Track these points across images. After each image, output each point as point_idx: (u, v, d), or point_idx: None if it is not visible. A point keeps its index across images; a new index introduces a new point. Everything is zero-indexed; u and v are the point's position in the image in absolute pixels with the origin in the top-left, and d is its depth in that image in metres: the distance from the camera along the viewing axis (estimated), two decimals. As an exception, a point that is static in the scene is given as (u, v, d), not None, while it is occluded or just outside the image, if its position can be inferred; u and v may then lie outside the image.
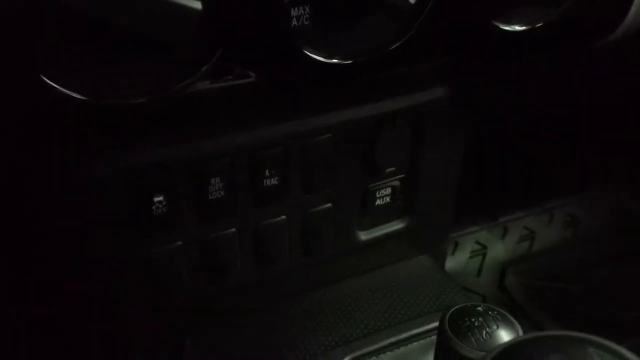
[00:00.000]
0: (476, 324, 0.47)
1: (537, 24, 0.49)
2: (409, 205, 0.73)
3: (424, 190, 0.73)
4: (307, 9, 0.42)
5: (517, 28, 0.49)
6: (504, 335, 0.47)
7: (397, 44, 0.45)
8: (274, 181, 0.60)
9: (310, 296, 0.70)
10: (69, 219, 0.55)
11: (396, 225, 0.74)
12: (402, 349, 0.63)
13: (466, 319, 0.47)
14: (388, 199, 0.71)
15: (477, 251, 1.29)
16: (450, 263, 1.27)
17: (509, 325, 0.48)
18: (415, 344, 0.63)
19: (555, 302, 1.19)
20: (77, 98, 0.40)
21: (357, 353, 0.62)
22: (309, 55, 0.41)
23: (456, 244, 1.30)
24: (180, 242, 0.59)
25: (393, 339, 0.63)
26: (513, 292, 1.24)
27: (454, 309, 0.49)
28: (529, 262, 1.29)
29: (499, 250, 1.30)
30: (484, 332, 0.46)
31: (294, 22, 0.42)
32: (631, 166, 1.38)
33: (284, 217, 0.64)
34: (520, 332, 0.48)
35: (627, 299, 1.17)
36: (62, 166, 0.51)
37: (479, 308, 0.49)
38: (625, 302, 1.17)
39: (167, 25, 0.36)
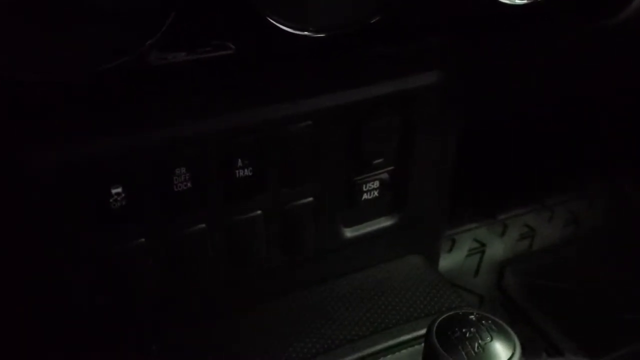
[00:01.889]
0: (467, 334, 0.41)
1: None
2: (398, 200, 0.68)
3: (415, 184, 0.68)
4: (276, -27, 0.37)
5: (518, 2, 0.43)
6: (499, 349, 0.41)
7: (377, 18, 0.39)
8: (247, 172, 0.55)
9: (291, 299, 0.65)
10: (17, 214, 0.50)
11: (385, 222, 0.69)
12: (389, 356, 0.58)
13: (456, 329, 0.42)
14: (376, 193, 0.66)
15: (475, 249, 1.25)
16: (447, 261, 1.23)
17: (504, 336, 0.42)
18: (403, 351, 0.58)
19: (555, 303, 1.15)
20: (8, 74, 0.34)
21: (339, 363, 0.57)
22: (275, 25, 0.36)
23: (453, 242, 1.27)
24: (142, 239, 0.54)
25: (379, 347, 0.59)
26: (511, 292, 1.21)
27: (442, 317, 0.44)
28: (529, 261, 1.25)
29: (497, 248, 1.27)
30: (476, 344, 0.41)
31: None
32: (633, 161, 1.35)
33: (259, 212, 0.58)
34: (518, 345, 0.42)
35: (629, 299, 1.14)
36: (5, 156, 0.45)
37: (472, 316, 0.43)
38: (627, 303, 1.13)
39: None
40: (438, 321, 0.43)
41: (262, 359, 0.58)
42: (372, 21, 0.39)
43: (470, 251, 1.25)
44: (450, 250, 1.26)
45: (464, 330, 0.42)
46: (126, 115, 0.49)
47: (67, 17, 0.34)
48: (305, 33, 0.38)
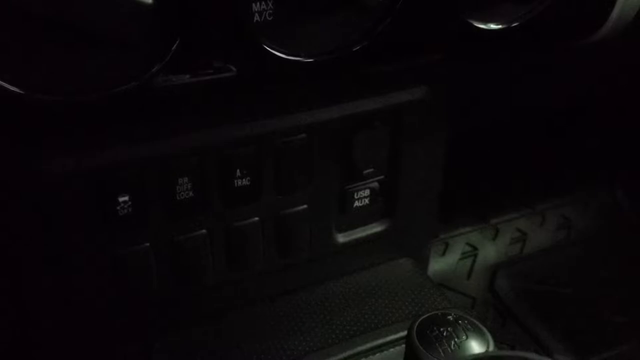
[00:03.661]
0: (445, 333, 0.45)
1: (514, 23, 0.47)
2: (388, 207, 0.72)
3: (405, 192, 0.71)
4: (270, 4, 0.41)
5: (493, 27, 0.47)
6: (474, 346, 0.45)
7: (363, 44, 0.43)
8: (245, 182, 0.58)
9: (284, 300, 0.68)
10: (32, 218, 0.53)
11: (376, 228, 0.72)
12: (376, 355, 0.61)
13: (435, 328, 0.46)
14: (367, 200, 0.69)
15: (467, 253, 1.27)
16: (440, 265, 1.25)
17: (479, 335, 0.46)
18: (389, 351, 0.61)
19: (547, 306, 1.17)
20: (27, 95, 0.38)
21: (328, 360, 0.60)
22: (270, 52, 0.39)
23: (446, 245, 1.28)
24: (147, 244, 0.58)
25: (364, 347, 0.61)
26: (503, 295, 1.22)
27: (423, 317, 0.47)
28: (521, 265, 1.27)
29: (490, 252, 1.28)
30: (452, 342, 0.44)
31: (257, 18, 0.41)
32: (625, 167, 1.35)
33: (256, 219, 0.62)
34: (492, 344, 0.46)
35: (620, 302, 1.16)
36: (18, 164, 0.49)
37: (449, 317, 0.47)
38: (618, 306, 1.15)
39: (117, 20, 0.35)
40: (419, 321, 0.47)
41: (256, 356, 0.61)
42: (355, 49, 0.43)
43: (463, 255, 1.27)
44: (443, 253, 1.28)
45: (441, 329, 0.45)
46: (133, 129, 0.52)
47: (80, 44, 0.38)
48: (297, 58, 0.42)
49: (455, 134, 1.12)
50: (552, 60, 0.88)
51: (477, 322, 0.47)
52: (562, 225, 1.34)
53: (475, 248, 1.28)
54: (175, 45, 0.39)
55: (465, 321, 0.47)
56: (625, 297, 1.17)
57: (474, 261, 1.27)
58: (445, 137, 0.72)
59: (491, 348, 0.45)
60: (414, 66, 0.57)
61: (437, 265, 1.26)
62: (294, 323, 0.66)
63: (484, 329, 0.47)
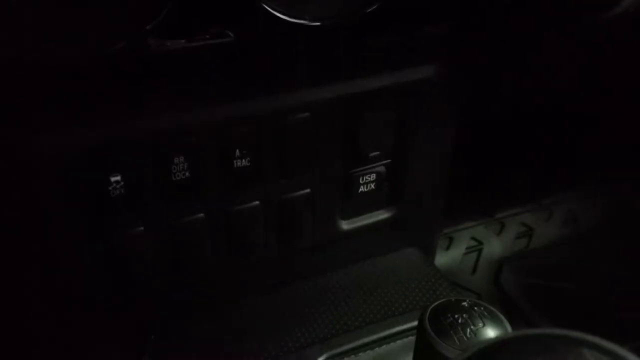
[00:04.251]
0: (460, 320, 0.42)
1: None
2: (395, 193, 0.69)
3: (412, 177, 0.68)
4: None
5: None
6: (491, 334, 0.42)
7: (372, 7, 0.39)
8: (245, 162, 0.55)
9: (287, 289, 0.65)
10: (20, 200, 0.50)
11: (381, 215, 0.69)
12: (383, 347, 0.58)
13: (449, 315, 0.42)
14: (372, 185, 0.66)
15: (472, 247, 1.25)
16: (445, 259, 1.24)
17: (496, 322, 0.43)
18: (397, 342, 0.58)
19: (552, 301, 1.16)
20: (19, 57, 0.35)
21: (334, 351, 0.58)
22: (272, 13, 0.36)
23: (451, 240, 1.28)
24: (141, 227, 0.54)
25: (373, 337, 0.59)
26: (508, 290, 1.21)
27: (436, 303, 0.44)
28: (526, 260, 1.25)
29: (495, 246, 1.27)
30: (468, 330, 0.41)
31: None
32: (633, 162, 1.35)
33: (257, 202, 0.59)
34: (509, 331, 0.43)
35: (627, 299, 1.14)
36: (11, 143, 0.46)
37: (464, 303, 0.44)
38: (625, 303, 1.13)
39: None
40: (431, 308, 0.44)
41: (260, 346, 0.58)
42: (368, 10, 0.40)
43: (468, 249, 1.25)
44: (448, 248, 1.27)
45: (456, 316, 0.42)
46: (124, 104, 0.49)
47: (70, 3, 0.35)
48: (302, 21, 0.39)
49: (461, 126, 1.10)
50: (562, 48, 0.85)
51: (493, 309, 0.44)
52: (568, 220, 1.32)
53: (480, 242, 1.27)
54: (168, 6, 0.36)
55: (482, 307, 0.43)
56: (630, 293, 1.14)
57: (479, 256, 1.26)
58: (457, 122, 0.69)
59: (510, 336, 0.42)
60: (427, 40, 0.54)
61: (442, 259, 1.24)
62: (298, 313, 0.63)
63: (501, 316, 0.44)
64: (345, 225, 0.67)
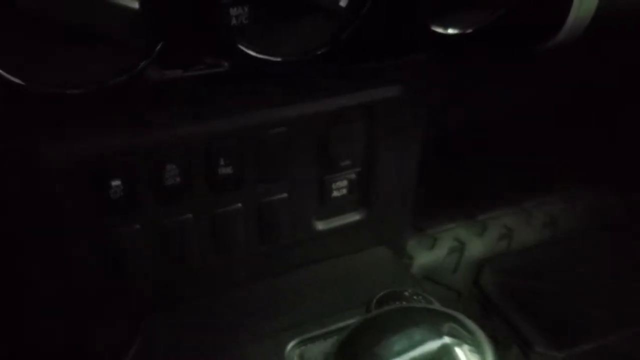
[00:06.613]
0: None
1: (470, 29, 0.52)
2: (366, 197, 0.76)
3: (381, 183, 0.75)
4: (246, 9, 0.46)
5: (451, 32, 0.52)
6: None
7: (326, 48, 0.48)
8: (228, 170, 0.63)
9: (267, 283, 0.73)
10: (32, 202, 0.59)
11: (354, 217, 0.76)
12: (335, 337, 0.64)
13: (391, 302, 0.50)
14: (345, 190, 0.73)
15: (455, 248, 1.31)
16: (428, 258, 1.28)
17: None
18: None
19: (529, 301, 1.20)
20: (17, 84, 0.43)
21: (305, 336, 0.65)
22: (243, 51, 0.45)
23: (434, 240, 1.31)
24: (138, 226, 0.63)
25: (340, 324, 0.66)
26: (487, 289, 1.24)
27: (382, 293, 0.52)
28: (506, 260, 1.30)
29: (476, 247, 1.32)
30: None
31: (234, 21, 0.46)
32: (611, 165, 1.37)
33: (239, 205, 0.67)
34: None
35: (603, 297, 1.19)
36: (17, 152, 0.54)
37: (406, 293, 0.52)
38: (601, 301, 1.18)
39: (105, 22, 0.40)
40: (378, 296, 0.52)
41: (238, 332, 0.66)
42: (319, 52, 0.48)
43: (450, 249, 1.30)
44: (431, 248, 1.31)
45: (397, 303, 0.50)
46: (125, 120, 0.57)
47: (76, 42, 0.43)
48: (265, 57, 0.47)
49: (445, 131, 1.16)
50: (536, 61, 0.92)
51: (431, 298, 0.52)
52: (547, 223, 1.37)
53: (462, 243, 1.31)
54: (160, 45, 0.44)
55: (420, 296, 0.51)
56: (606, 292, 1.20)
57: (460, 256, 1.30)
58: (420, 134, 0.77)
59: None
60: (386, 67, 0.62)
61: (425, 259, 1.29)
62: (276, 303, 0.70)
63: (437, 303, 0.52)
64: (320, 225, 0.75)
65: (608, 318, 1.15)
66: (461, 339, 0.33)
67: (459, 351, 0.33)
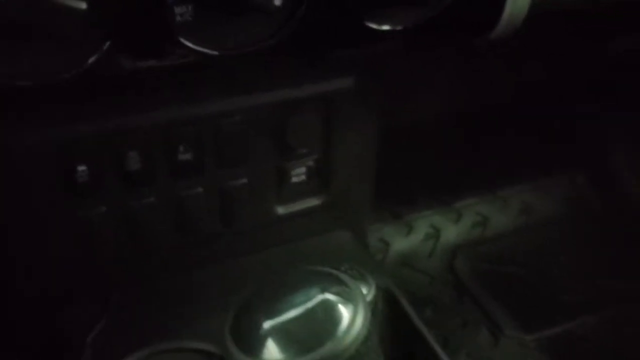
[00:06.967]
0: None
1: (403, 25, 0.56)
2: (325, 183, 0.80)
3: (339, 171, 0.79)
4: (190, 8, 0.50)
5: (385, 28, 0.56)
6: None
7: (266, 43, 0.52)
8: (188, 156, 0.67)
9: (227, 264, 0.77)
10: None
11: (313, 202, 0.80)
12: None
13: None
14: (304, 177, 0.77)
15: (430, 234, 1.34)
16: (404, 244, 1.31)
17: (364, 281, 0.55)
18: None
19: (501, 286, 1.24)
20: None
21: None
22: (187, 45, 0.49)
23: (410, 227, 1.34)
24: (103, 208, 0.67)
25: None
26: (461, 275, 1.27)
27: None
28: (480, 247, 1.33)
29: (451, 234, 1.35)
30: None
31: (178, 19, 0.50)
32: (586, 154, 1.40)
33: (200, 189, 0.71)
34: (373, 292, 0.55)
35: (568, 283, 1.22)
36: None
37: (342, 268, 0.56)
38: (571, 287, 1.22)
39: (55, 21, 0.44)
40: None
41: (200, 302, 0.70)
42: (266, 46, 0.53)
43: (426, 236, 1.33)
44: (407, 234, 1.34)
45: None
46: (89, 108, 0.61)
47: (23, 36, 0.47)
48: (205, 50, 0.51)
49: (418, 120, 1.18)
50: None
51: (367, 274, 0.57)
52: (522, 210, 1.39)
53: (438, 230, 1.34)
54: (108, 43, 0.48)
55: (355, 271, 0.56)
56: (573, 277, 1.24)
57: (436, 242, 1.33)
58: (377, 121, 0.81)
59: (372, 295, 0.54)
60: (339, 56, 0.66)
61: (401, 245, 1.31)
62: (232, 284, 0.74)
63: (371, 280, 0.56)
64: (280, 210, 0.78)
65: (577, 303, 1.19)
66: (339, 295, 0.38)
67: (336, 304, 0.37)
